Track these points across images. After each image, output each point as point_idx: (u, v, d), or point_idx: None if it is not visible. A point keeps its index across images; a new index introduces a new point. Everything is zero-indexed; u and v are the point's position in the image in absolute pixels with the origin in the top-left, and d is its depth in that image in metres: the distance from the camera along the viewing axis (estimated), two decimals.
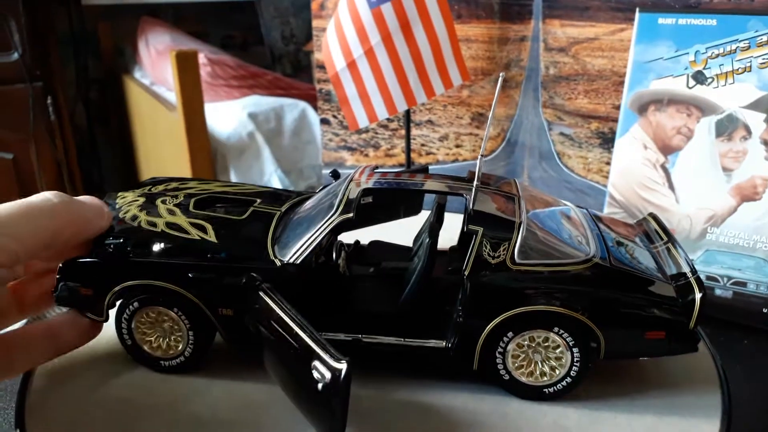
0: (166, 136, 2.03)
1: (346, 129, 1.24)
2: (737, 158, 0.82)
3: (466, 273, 0.55)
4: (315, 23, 1.21)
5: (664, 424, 0.56)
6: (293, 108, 2.08)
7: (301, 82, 2.44)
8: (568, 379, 0.57)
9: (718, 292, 0.86)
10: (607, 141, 1.02)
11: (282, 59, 3.13)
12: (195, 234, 0.58)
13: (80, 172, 2.54)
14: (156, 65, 2.41)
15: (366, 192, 0.62)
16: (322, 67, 1.16)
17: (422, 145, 1.19)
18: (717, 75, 0.81)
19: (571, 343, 0.56)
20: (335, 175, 0.70)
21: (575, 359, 0.56)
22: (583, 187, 1.07)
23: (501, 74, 0.57)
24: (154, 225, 0.59)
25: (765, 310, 0.83)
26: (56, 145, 2.44)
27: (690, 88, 0.83)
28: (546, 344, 0.57)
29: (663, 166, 0.87)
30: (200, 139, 1.76)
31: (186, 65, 1.69)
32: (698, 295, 0.55)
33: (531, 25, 1.07)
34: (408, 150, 1.09)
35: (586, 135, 1.04)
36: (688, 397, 0.59)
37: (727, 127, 0.82)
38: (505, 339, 0.56)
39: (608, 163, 0.95)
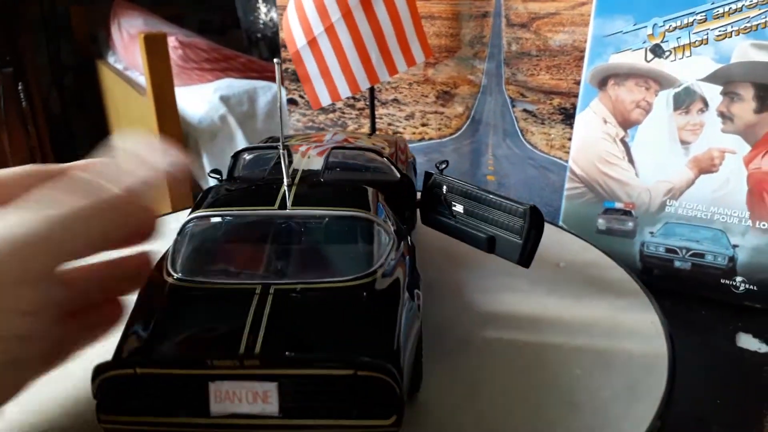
0: (138, 121, 2.01)
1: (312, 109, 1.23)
2: (695, 131, 0.83)
3: None
4: (279, 1, 1.20)
5: (606, 391, 0.56)
6: (266, 91, 2.06)
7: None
8: None
9: (677, 264, 0.87)
10: (569, 117, 1.02)
11: (258, 43, 3.10)
12: None
13: (54, 159, 2.51)
14: (128, 49, 2.38)
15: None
16: (286, 46, 1.15)
17: (389, 124, 1.18)
18: (674, 48, 0.81)
19: None
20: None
21: None
22: (546, 163, 1.07)
23: (276, 60, 0.53)
24: None
25: (722, 281, 0.84)
26: (29, 132, 2.41)
27: (648, 61, 0.83)
28: None
29: (623, 140, 0.87)
30: (170, 123, 1.75)
31: (155, 48, 1.67)
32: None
33: (493, 0, 1.07)
34: (373, 129, 1.09)
35: (549, 111, 1.05)
36: (634, 367, 0.60)
37: (685, 100, 0.82)
38: None
39: (570, 139, 0.95)
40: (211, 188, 0.57)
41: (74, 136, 2.88)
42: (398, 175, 0.66)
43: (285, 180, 0.54)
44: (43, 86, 2.54)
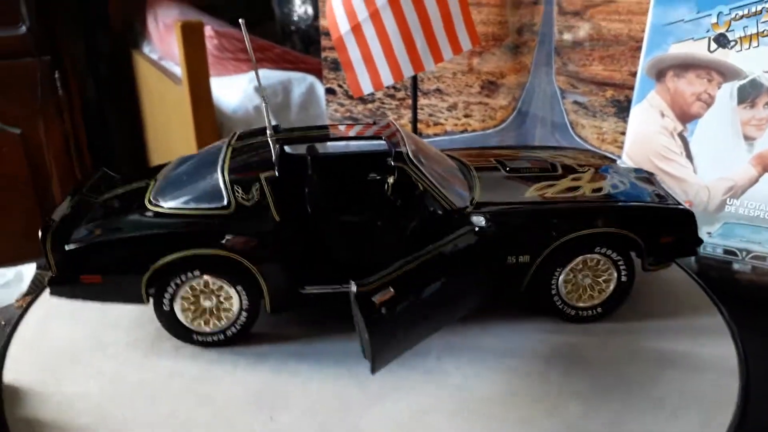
0: (173, 111, 2.01)
1: (351, 99, 1.20)
2: (760, 126, 0.78)
3: None
4: None
5: (680, 392, 0.54)
6: (301, 82, 2.04)
7: (309, 56, 2.40)
8: None
9: (736, 266, 0.82)
10: (622, 110, 0.98)
11: (292, 35, 3.09)
12: None
13: (88, 147, 2.52)
14: (164, 39, 2.38)
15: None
16: (327, 34, 1.13)
17: (430, 115, 1.15)
18: (741, 38, 0.77)
19: None
20: None
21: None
22: None
23: (241, 21, 0.56)
24: None
25: None
26: (64, 120, 2.43)
27: (712, 52, 0.79)
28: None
29: (681, 135, 0.83)
30: (206, 113, 1.74)
31: (191, 37, 1.66)
32: None
33: None
34: (414, 120, 1.05)
35: (601, 103, 1.00)
36: (707, 372, 0.57)
37: (750, 93, 0.78)
38: None
39: (623, 133, 0.92)
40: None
41: (108, 124, 2.90)
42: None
43: (268, 132, 0.63)
44: (78, 75, 2.56)
